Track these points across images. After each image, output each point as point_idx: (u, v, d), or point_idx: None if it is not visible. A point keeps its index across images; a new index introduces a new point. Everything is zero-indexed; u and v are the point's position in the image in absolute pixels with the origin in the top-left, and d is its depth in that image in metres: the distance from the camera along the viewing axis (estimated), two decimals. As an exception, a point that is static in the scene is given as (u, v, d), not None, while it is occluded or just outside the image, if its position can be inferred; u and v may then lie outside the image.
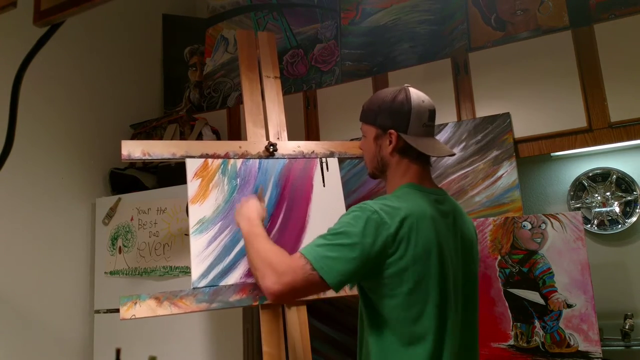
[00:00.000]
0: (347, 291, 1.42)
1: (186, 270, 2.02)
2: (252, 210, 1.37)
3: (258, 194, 1.55)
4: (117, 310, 1.36)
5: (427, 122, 1.18)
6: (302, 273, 1.03)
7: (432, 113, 1.19)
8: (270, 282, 1.05)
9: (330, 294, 1.54)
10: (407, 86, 1.20)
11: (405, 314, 1.04)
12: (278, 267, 1.07)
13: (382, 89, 1.25)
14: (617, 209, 2.06)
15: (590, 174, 2.12)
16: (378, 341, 1.08)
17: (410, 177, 1.17)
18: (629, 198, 2.05)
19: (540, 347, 1.71)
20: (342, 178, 1.73)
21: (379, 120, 1.19)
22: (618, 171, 2.07)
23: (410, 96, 1.17)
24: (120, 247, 2.19)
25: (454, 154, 1.25)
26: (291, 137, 1.74)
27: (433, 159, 1.23)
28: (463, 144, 2.05)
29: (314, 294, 1.10)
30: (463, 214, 1.24)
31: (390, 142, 1.17)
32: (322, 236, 1.07)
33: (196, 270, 1.43)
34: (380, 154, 1.20)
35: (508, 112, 2.02)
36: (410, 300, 1.04)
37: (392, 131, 1.16)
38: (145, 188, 2.33)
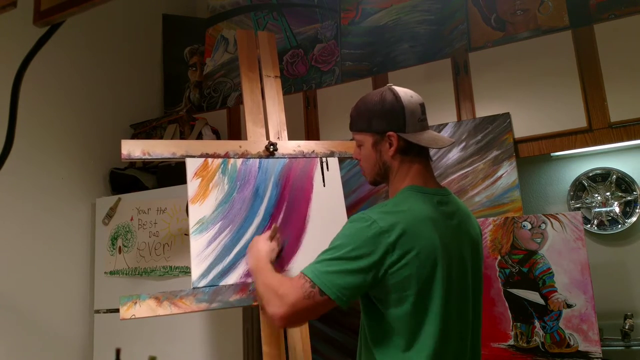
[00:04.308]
0: None
1: (186, 270, 2.02)
2: (260, 249, 1.35)
3: (273, 231, 1.46)
4: (117, 310, 1.36)
5: (421, 117, 1.15)
6: (303, 292, 1.00)
7: (422, 107, 1.17)
8: (274, 306, 1.02)
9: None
10: (391, 85, 1.18)
11: (412, 320, 1.02)
12: (279, 290, 1.04)
13: (364, 95, 1.20)
14: (617, 209, 2.06)
15: (590, 174, 2.12)
16: (381, 351, 1.05)
17: (412, 178, 1.14)
18: (629, 198, 2.05)
19: (540, 347, 1.71)
20: (342, 178, 1.73)
21: (373, 126, 1.15)
22: (618, 171, 2.07)
23: (398, 94, 1.14)
24: (120, 247, 2.19)
25: (454, 142, 1.21)
26: (291, 137, 1.74)
27: (432, 154, 1.20)
28: (463, 144, 2.05)
29: (321, 312, 1.03)
30: (469, 214, 1.21)
31: (391, 144, 1.13)
32: (322, 252, 1.05)
33: (196, 270, 1.43)
34: (382, 159, 1.16)
35: (508, 112, 2.02)
36: (416, 306, 1.02)
37: (392, 133, 1.13)
38: (145, 188, 2.33)
